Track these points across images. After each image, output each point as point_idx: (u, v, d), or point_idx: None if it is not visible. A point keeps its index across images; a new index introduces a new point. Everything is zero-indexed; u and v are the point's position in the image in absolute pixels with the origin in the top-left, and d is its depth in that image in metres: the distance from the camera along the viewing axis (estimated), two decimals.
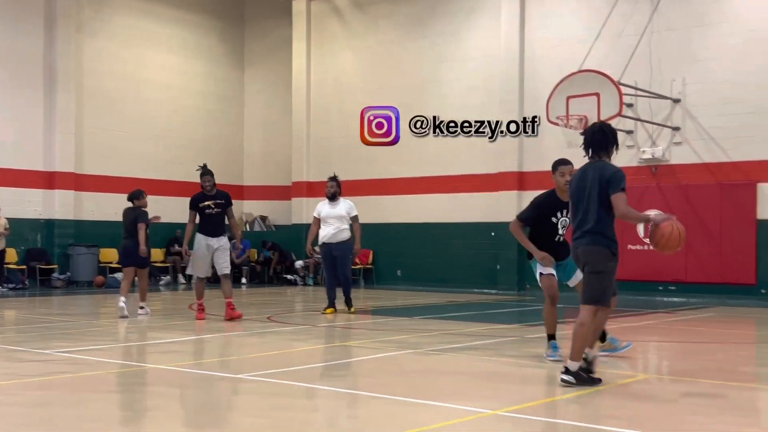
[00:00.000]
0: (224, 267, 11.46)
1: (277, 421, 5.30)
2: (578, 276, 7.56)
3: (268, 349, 8.82)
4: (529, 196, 18.14)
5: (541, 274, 7.74)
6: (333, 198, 12.62)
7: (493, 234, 18.78)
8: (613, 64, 15.94)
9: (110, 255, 19.82)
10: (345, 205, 12.62)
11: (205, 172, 11.57)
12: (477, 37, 19.31)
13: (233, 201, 11.92)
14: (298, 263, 21.22)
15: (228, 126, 23.26)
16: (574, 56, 16.47)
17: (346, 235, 12.52)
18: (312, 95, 22.04)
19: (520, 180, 18.41)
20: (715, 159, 16.21)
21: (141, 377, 7.10)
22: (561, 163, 7.65)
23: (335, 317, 12.01)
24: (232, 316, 11.21)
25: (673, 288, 16.56)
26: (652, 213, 6.69)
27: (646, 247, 16.78)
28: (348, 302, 12.69)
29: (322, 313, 12.35)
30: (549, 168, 19.39)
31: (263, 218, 23.24)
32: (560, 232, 7.75)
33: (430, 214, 19.86)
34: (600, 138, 6.61)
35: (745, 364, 8.47)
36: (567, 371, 6.36)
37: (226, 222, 11.71)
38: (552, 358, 7.64)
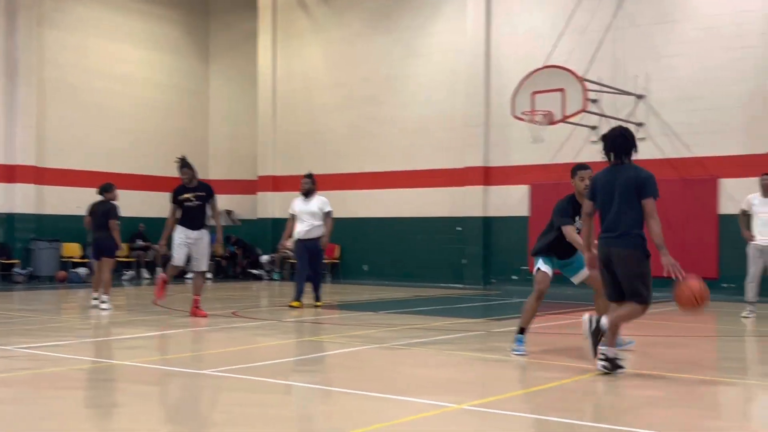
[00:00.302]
0: (202, 264, 11.33)
1: (243, 417, 5.27)
2: (583, 273, 7.92)
3: (234, 344, 8.77)
4: (495, 191, 18.42)
5: (538, 269, 7.94)
6: (307, 195, 12.75)
7: (459, 229, 18.85)
8: (578, 60, 16.08)
9: (72, 250, 19.59)
10: (318, 202, 12.74)
11: (183, 164, 11.36)
12: (443, 32, 19.35)
13: (217, 195, 11.71)
14: (264, 258, 21.13)
15: (192, 119, 23.06)
16: (540, 52, 16.59)
17: (319, 231, 12.67)
18: (278, 89, 21.94)
19: (485, 175, 18.50)
20: (677, 154, 16.43)
21: (104, 374, 7.02)
22: (581, 168, 7.84)
23: (302, 312, 11.99)
24: (196, 314, 11.11)
25: None
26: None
27: None
28: (317, 297, 12.89)
29: (289, 306, 12.41)
30: (514, 163, 19.53)
31: (228, 212, 23.08)
32: None
33: (396, 209, 19.89)
34: (622, 142, 6.90)
35: (706, 357, 8.60)
36: (606, 358, 6.58)
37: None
38: (517, 353, 7.70)
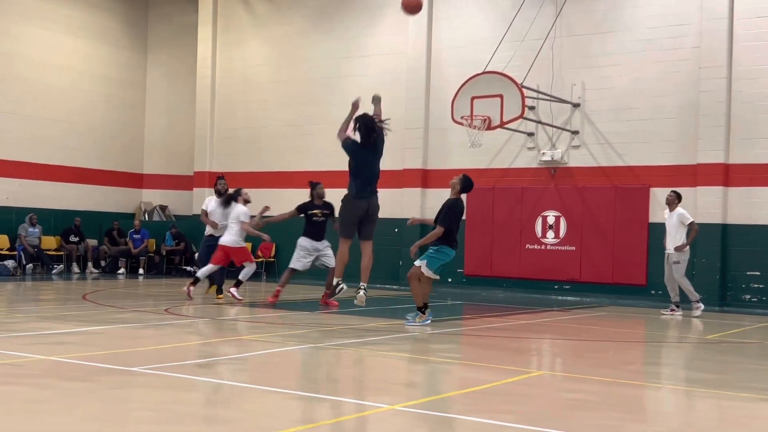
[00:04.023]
0: (331, 263, 13.08)
1: (172, 416, 5.20)
2: None
3: (165, 342, 8.65)
4: (433, 193, 18.53)
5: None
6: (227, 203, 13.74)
7: (396, 230, 18.91)
8: (517, 67, 16.27)
9: (0, 241, 19.08)
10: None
11: (314, 187, 13.45)
12: (385, 34, 19.39)
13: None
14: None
15: (129, 112, 22.64)
16: (480, 57, 16.75)
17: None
18: (217, 84, 21.70)
19: (424, 177, 18.61)
20: (610, 163, 16.77)
21: (28, 369, 6.84)
22: None
23: (237, 310, 11.91)
24: (327, 303, 12.99)
25: (567, 287, 17.05)
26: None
27: (542, 247, 17.23)
28: (219, 288, 13.76)
29: (206, 292, 13.54)
30: (452, 166, 19.70)
31: (163, 208, 22.76)
32: None
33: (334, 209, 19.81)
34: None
35: (633, 362, 8.80)
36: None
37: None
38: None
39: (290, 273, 13.24)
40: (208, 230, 13.65)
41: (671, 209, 13.71)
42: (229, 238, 12.91)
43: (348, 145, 10.07)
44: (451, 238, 10.55)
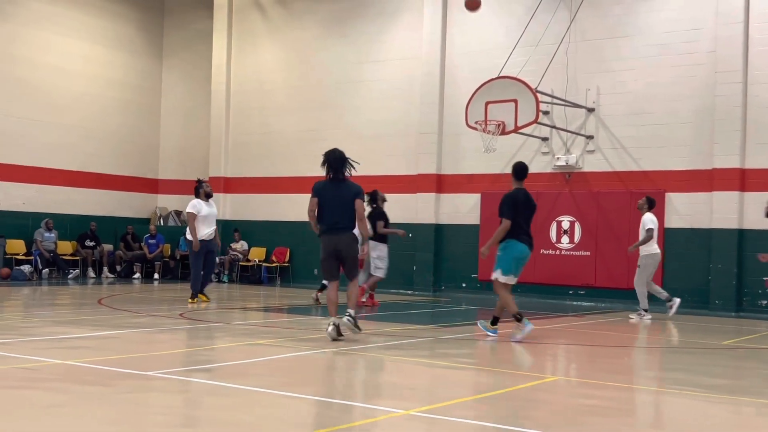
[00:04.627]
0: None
1: (182, 419, 5.22)
2: None
3: (179, 346, 8.68)
4: (447, 198, 18.54)
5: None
6: (209, 197, 13.76)
7: (410, 235, 18.90)
8: (532, 72, 16.25)
9: (17, 246, 19.20)
10: (215, 206, 13.88)
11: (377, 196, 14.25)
12: (399, 39, 19.42)
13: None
14: None
15: (144, 118, 22.76)
16: (494, 62, 16.75)
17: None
18: (232, 89, 21.79)
19: (438, 182, 18.60)
20: (625, 168, 16.71)
21: (43, 373, 6.89)
22: None
23: (245, 315, 11.92)
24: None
25: (582, 292, 16.99)
26: None
27: (557, 252, 17.18)
28: (203, 292, 13.82)
29: (197, 302, 13.27)
30: (466, 171, 19.71)
31: (178, 213, 22.85)
32: None
33: None
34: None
35: (648, 368, 8.76)
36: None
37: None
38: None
39: (377, 280, 14.09)
40: (200, 235, 13.22)
41: (641, 214, 13.75)
42: None
43: (313, 192, 9.75)
44: (518, 231, 9.80)
